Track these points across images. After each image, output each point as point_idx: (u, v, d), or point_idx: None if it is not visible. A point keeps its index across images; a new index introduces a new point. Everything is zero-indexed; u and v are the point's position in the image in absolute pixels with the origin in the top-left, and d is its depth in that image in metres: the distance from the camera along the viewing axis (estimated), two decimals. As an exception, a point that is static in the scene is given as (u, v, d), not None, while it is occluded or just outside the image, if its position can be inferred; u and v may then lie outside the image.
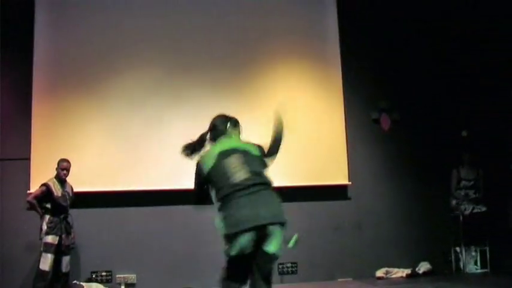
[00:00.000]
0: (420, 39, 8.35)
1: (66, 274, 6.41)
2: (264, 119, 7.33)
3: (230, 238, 3.20)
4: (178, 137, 7.78)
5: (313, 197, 7.59)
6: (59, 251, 6.27)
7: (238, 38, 7.85)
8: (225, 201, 3.29)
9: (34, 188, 6.64)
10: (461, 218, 7.66)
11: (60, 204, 6.35)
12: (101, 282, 7.03)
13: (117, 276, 7.09)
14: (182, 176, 7.18)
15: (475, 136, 8.06)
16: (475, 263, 7.68)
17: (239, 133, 3.73)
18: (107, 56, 7.55)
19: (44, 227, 6.25)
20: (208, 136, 3.71)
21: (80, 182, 6.88)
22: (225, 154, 3.45)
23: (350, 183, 7.81)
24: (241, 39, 7.86)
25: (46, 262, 6.16)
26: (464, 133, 8.13)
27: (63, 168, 6.46)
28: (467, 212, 7.65)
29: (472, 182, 7.83)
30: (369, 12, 8.28)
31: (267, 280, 3.29)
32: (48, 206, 6.35)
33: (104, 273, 7.11)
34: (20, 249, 6.91)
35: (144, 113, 7.43)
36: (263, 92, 7.77)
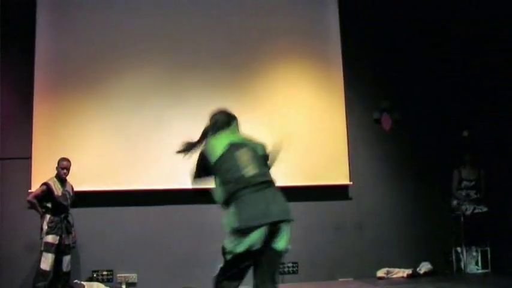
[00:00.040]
0: (422, 39, 8.35)
1: (67, 273, 6.41)
2: (265, 119, 7.40)
3: (241, 233, 3.16)
4: (179, 136, 7.78)
5: (314, 197, 7.59)
6: (59, 250, 6.27)
7: (239, 37, 7.85)
8: (235, 194, 3.26)
9: (35, 187, 6.64)
10: (462, 218, 7.66)
11: (61, 204, 6.35)
12: (102, 281, 7.04)
13: (118, 275, 7.09)
14: (183, 175, 7.21)
15: (476, 136, 8.06)
16: (476, 264, 7.68)
17: (238, 129, 3.73)
18: (108, 55, 7.55)
19: (45, 226, 6.24)
20: (210, 129, 3.67)
21: (81, 181, 6.89)
22: (235, 146, 3.43)
23: (351, 183, 7.81)
24: (242, 38, 7.86)
25: (47, 262, 6.16)
26: (465, 133, 8.13)
27: (63, 168, 6.44)
28: (468, 212, 7.64)
29: (473, 183, 7.82)
30: (371, 12, 8.27)
31: (274, 277, 3.29)
32: (49, 205, 6.34)
33: (105, 273, 7.11)
34: (20, 249, 6.92)
35: (144, 113, 7.43)
36: (264, 91, 7.77)
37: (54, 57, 7.44)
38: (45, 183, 6.37)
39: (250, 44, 7.87)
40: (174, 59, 7.66)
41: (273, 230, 3.21)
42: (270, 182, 3.38)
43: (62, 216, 6.36)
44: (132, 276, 7.07)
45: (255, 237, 3.16)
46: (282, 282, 7.24)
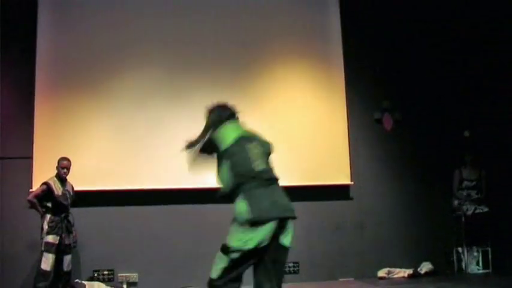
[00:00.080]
0: (423, 39, 8.35)
1: (68, 273, 6.40)
2: (266, 119, 7.40)
3: (254, 225, 3.13)
4: (180, 136, 7.81)
5: (315, 197, 7.59)
6: (59, 250, 6.26)
7: (240, 38, 7.85)
8: (244, 186, 3.25)
9: (36, 186, 6.62)
10: (463, 218, 7.66)
11: (61, 203, 6.33)
12: (103, 281, 7.04)
13: (119, 275, 7.09)
14: (184, 175, 7.21)
15: (477, 136, 8.06)
16: (477, 264, 7.68)
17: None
18: (109, 56, 7.56)
19: (45, 226, 6.23)
20: (215, 121, 3.59)
21: (82, 180, 6.89)
22: (245, 139, 3.42)
23: (352, 183, 7.81)
24: (243, 39, 7.86)
25: (47, 262, 6.14)
26: (466, 133, 8.13)
27: (63, 167, 6.43)
28: (469, 213, 7.64)
29: (474, 183, 7.83)
30: (372, 13, 8.27)
31: (280, 276, 3.31)
32: (49, 205, 6.32)
33: (106, 272, 7.12)
34: (21, 248, 6.91)
35: (145, 113, 7.43)
36: (265, 92, 7.77)
37: (55, 57, 7.45)
38: (45, 183, 6.36)
39: (251, 45, 7.87)
40: (175, 60, 7.66)
41: (281, 226, 3.21)
42: (275, 180, 3.39)
43: (63, 215, 6.35)
44: (133, 276, 7.07)
45: (265, 232, 3.14)
46: (283, 282, 7.25)
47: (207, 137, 3.55)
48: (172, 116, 7.45)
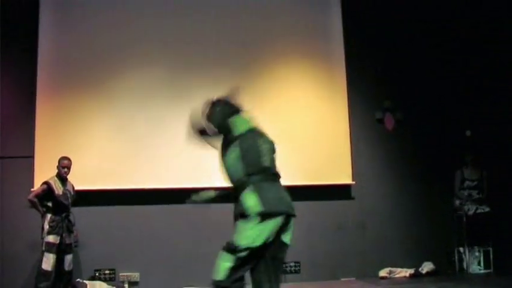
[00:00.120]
0: (424, 39, 8.34)
1: (69, 272, 6.40)
2: (267, 119, 7.36)
3: (264, 218, 3.10)
4: (183, 136, 7.81)
5: (316, 197, 7.59)
6: (60, 250, 6.25)
7: (242, 38, 7.85)
8: (252, 178, 3.22)
9: (37, 186, 6.62)
10: (464, 218, 7.65)
11: (62, 203, 6.32)
12: (104, 280, 7.04)
13: (120, 274, 7.10)
14: (185, 174, 7.25)
15: (478, 136, 8.05)
16: (479, 264, 7.67)
17: None
18: (111, 55, 7.57)
19: (46, 226, 6.22)
20: (227, 111, 3.51)
21: (84, 180, 6.90)
22: (256, 133, 3.42)
23: (354, 182, 7.81)
24: (245, 39, 7.86)
25: (48, 262, 6.14)
26: (468, 133, 8.13)
27: (64, 166, 6.41)
28: (470, 213, 7.64)
29: (475, 183, 7.82)
30: (373, 13, 8.27)
31: (279, 273, 3.30)
32: (50, 204, 6.32)
33: (107, 272, 7.12)
34: (23, 248, 6.91)
35: (147, 112, 7.44)
36: (266, 91, 7.77)
37: (56, 56, 7.46)
38: (45, 182, 6.35)
39: (253, 44, 7.87)
40: (177, 59, 7.67)
41: (287, 222, 3.21)
42: (279, 177, 3.39)
43: (63, 215, 6.34)
44: (135, 275, 7.07)
45: (273, 226, 3.12)
46: (284, 281, 7.25)
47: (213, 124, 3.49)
48: (173, 116, 7.44)
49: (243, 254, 3.10)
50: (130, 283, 7.04)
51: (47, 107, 7.29)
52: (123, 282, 7.04)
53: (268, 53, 7.88)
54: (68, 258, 6.35)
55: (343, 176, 7.78)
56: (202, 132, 3.55)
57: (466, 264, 7.64)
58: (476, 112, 8.10)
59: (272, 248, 3.19)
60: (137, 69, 7.54)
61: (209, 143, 3.59)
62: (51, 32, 7.49)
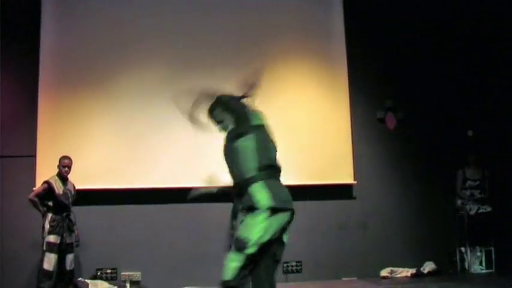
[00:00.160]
0: (426, 38, 8.34)
1: (71, 272, 6.38)
2: (268, 118, 7.38)
3: (274, 213, 3.06)
4: (185, 135, 7.83)
5: (318, 196, 7.59)
6: (61, 249, 6.24)
7: (243, 37, 7.85)
8: (263, 173, 3.17)
9: (39, 185, 6.64)
10: (466, 218, 7.64)
11: (62, 202, 6.30)
12: (105, 279, 7.05)
13: (122, 273, 7.09)
14: (188, 174, 7.25)
15: (480, 136, 8.04)
16: (480, 263, 7.67)
17: None
18: (113, 54, 7.57)
19: (47, 225, 6.20)
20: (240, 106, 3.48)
21: (86, 179, 6.91)
22: (267, 129, 3.39)
23: (355, 182, 7.80)
24: (246, 38, 7.86)
25: (49, 262, 6.14)
26: (470, 133, 8.12)
27: (64, 166, 6.39)
28: (472, 212, 7.63)
29: (477, 182, 7.81)
30: (375, 12, 8.27)
31: (275, 272, 3.26)
32: (50, 204, 6.30)
33: (109, 271, 7.13)
34: (25, 248, 6.91)
35: (149, 111, 7.44)
36: (268, 91, 7.73)
37: (58, 56, 7.47)
38: (46, 182, 6.34)
39: (254, 44, 7.86)
40: (178, 58, 7.66)
41: (289, 220, 3.19)
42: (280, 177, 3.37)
43: (64, 215, 6.32)
44: (136, 275, 7.06)
45: (281, 222, 3.10)
46: (286, 280, 7.26)
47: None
48: (175, 115, 7.36)
49: (252, 250, 3.03)
50: (132, 282, 7.03)
51: (49, 106, 7.30)
52: (124, 281, 7.03)
53: (270, 52, 7.87)
54: (69, 257, 6.34)
55: (345, 176, 7.78)
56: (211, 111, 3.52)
57: (468, 264, 7.64)
58: (478, 112, 8.09)
59: (274, 246, 3.16)
60: (139, 68, 7.55)
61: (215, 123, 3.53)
62: (53, 31, 7.50)
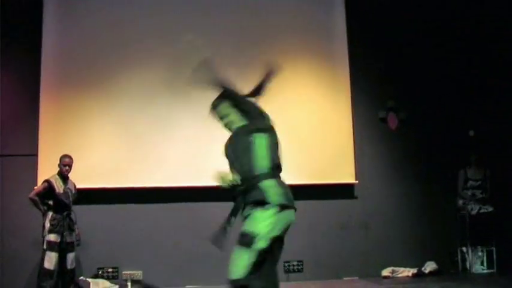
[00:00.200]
0: (427, 38, 8.33)
1: (72, 271, 6.38)
2: (270, 118, 7.39)
3: (283, 210, 3.07)
4: (186, 134, 7.84)
5: (319, 196, 7.59)
6: (61, 248, 6.23)
7: (245, 36, 7.85)
8: (272, 172, 3.20)
9: (41, 184, 6.66)
10: (468, 218, 7.64)
11: (62, 201, 6.29)
12: (107, 278, 7.06)
13: (123, 272, 7.09)
14: (190, 173, 7.27)
15: (482, 136, 8.04)
16: (482, 263, 7.66)
17: None
18: (114, 54, 7.57)
19: (47, 224, 6.19)
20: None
21: (88, 178, 6.92)
22: (274, 130, 3.40)
23: (357, 182, 7.80)
24: (248, 37, 7.85)
25: (50, 261, 6.13)
26: (471, 133, 8.11)
27: (65, 164, 6.38)
28: (474, 212, 7.63)
29: (479, 182, 7.81)
30: (377, 12, 8.26)
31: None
32: (51, 202, 6.29)
33: (110, 270, 7.14)
34: (26, 246, 6.92)
35: (150, 111, 7.45)
36: (270, 90, 7.75)
37: (60, 55, 7.47)
38: (46, 180, 6.33)
39: (256, 43, 7.85)
40: (180, 58, 7.64)
41: (292, 220, 3.19)
42: None
43: (65, 213, 6.31)
44: (138, 274, 7.07)
45: (288, 219, 3.11)
46: (287, 280, 7.27)
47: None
48: (177, 114, 7.46)
49: (262, 244, 2.99)
50: (133, 281, 7.04)
51: (51, 105, 7.31)
52: (126, 280, 7.04)
53: (272, 52, 7.85)
54: (70, 256, 6.33)
55: (346, 175, 7.78)
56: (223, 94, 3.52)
57: (469, 264, 7.63)
58: (480, 112, 8.09)
59: (277, 244, 3.14)
60: (140, 68, 7.55)
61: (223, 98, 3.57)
62: (55, 31, 7.51)
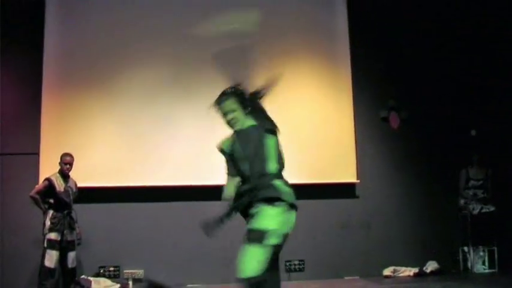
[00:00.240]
0: (429, 38, 8.33)
1: (73, 269, 6.37)
2: (272, 117, 7.38)
3: (291, 209, 3.12)
4: (187, 133, 7.84)
5: (321, 195, 7.59)
6: (62, 247, 6.22)
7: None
8: (280, 173, 3.25)
9: (43, 183, 6.66)
10: (469, 217, 7.63)
11: (63, 199, 6.28)
12: (108, 277, 7.07)
13: (124, 271, 7.11)
14: (191, 172, 7.27)
15: (484, 136, 8.03)
16: (483, 263, 7.66)
17: None
18: (116, 52, 7.58)
19: (47, 222, 6.18)
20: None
21: (89, 177, 6.93)
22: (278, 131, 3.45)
23: (358, 181, 7.81)
24: (251, 38, 7.85)
25: (51, 259, 6.12)
26: (473, 132, 8.10)
27: (66, 163, 6.36)
28: (475, 212, 7.63)
29: (480, 182, 7.80)
30: (378, 12, 8.26)
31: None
32: (51, 201, 6.28)
33: (111, 268, 7.14)
34: (29, 245, 6.92)
35: (152, 110, 7.46)
36: (272, 90, 7.75)
37: (62, 54, 7.48)
38: (47, 179, 6.32)
39: (259, 43, 7.84)
40: (182, 57, 7.67)
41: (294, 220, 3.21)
42: None
43: (65, 212, 6.30)
44: (139, 272, 7.09)
45: (294, 219, 3.15)
46: (288, 279, 7.27)
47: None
48: (178, 114, 7.47)
49: (274, 241, 2.99)
50: (135, 280, 7.05)
51: (53, 104, 7.32)
52: (127, 279, 7.05)
53: (274, 51, 7.85)
54: (71, 255, 6.31)
55: (348, 175, 7.78)
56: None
57: (471, 263, 7.63)
58: (482, 111, 8.07)
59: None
60: (142, 67, 7.56)
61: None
62: (57, 30, 7.52)
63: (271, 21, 7.92)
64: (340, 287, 7.05)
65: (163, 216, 7.33)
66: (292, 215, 3.14)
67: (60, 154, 6.46)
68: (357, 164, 7.83)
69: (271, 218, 3.04)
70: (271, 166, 3.22)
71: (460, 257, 7.74)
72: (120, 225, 7.23)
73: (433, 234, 7.85)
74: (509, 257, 7.42)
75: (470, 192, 7.78)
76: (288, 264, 7.39)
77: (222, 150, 3.38)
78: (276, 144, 3.31)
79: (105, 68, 7.53)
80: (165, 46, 7.63)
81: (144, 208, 7.32)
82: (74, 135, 7.24)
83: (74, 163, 6.44)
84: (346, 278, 7.54)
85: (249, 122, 3.38)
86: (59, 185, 6.31)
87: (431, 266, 7.57)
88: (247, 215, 3.19)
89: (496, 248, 7.58)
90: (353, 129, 7.91)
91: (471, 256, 7.62)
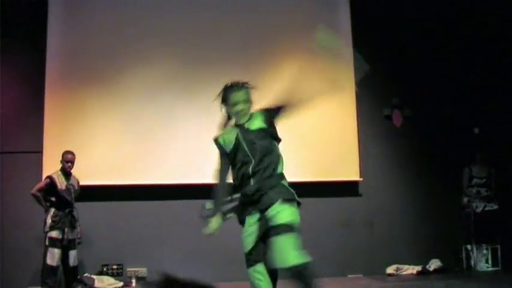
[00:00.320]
0: (432, 37, 8.32)
1: (75, 268, 6.40)
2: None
3: (297, 207, 3.40)
4: (189, 131, 7.84)
5: (324, 193, 7.59)
6: (63, 245, 6.23)
7: (250, 34, 7.85)
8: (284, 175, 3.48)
9: (46, 181, 6.67)
10: (472, 215, 7.62)
11: (64, 198, 6.30)
12: (111, 275, 7.07)
13: (128, 269, 7.13)
14: (193, 170, 7.27)
15: (487, 134, 8.02)
16: (486, 261, 7.64)
17: None
18: (119, 50, 7.60)
19: (49, 220, 6.20)
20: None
21: (92, 175, 6.95)
22: None
23: (361, 179, 7.80)
24: (253, 36, 7.86)
25: (53, 257, 6.15)
26: (476, 130, 8.09)
27: (67, 161, 6.38)
28: (478, 210, 7.61)
29: (484, 180, 7.78)
30: (381, 11, 8.25)
31: None
32: (53, 199, 6.31)
33: (114, 267, 7.15)
34: (31, 242, 6.93)
35: (154, 108, 7.47)
36: (274, 88, 7.75)
37: (65, 52, 7.50)
38: (48, 177, 6.34)
39: (261, 41, 7.86)
40: (184, 55, 7.68)
41: None
42: None
43: (67, 210, 6.32)
44: (142, 270, 7.10)
45: None
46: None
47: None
48: (180, 112, 7.49)
49: (298, 233, 3.31)
50: (138, 278, 7.06)
51: (56, 103, 7.34)
52: (130, 277, 7.07)
53: (276, 50, 7.87)
54: (72, 254, 6.33)
55: (351, 173, 7.78)
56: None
57: (474, 261, 7.61)
58: (485, 109, 8.06)
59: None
60: (145, 65, 7.57)
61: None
62: (60, 28, 7.53)
63: (273, 20, 7.94)
64: (343, 285, 7.04)
65: (165, 214, 7.34)
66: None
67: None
68: (360, 162, 7.82)
69: (294, 214, 3.31)
70: (280, 168, 3.43)
71: (463, 255, 7.72)
72: (123, 224, 7.25)
73: (436, 232, 7.84)
74: (512, 255, 7.42)
75: (474, 190, 7.76)
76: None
77: (218, 144, 3.42)
78: (277, 148, 3.51)
79: (107, 67, 7.54)
80: (165, 45, 7.65)
81: (146, 206, 7.33)
82: (77, 134, 7.25)
83: (76, 161, 6.45)
84: (349, 276, 7.54)
85: (257, 122, 3.45)
86: (61, 183, 6.32)
87: (434, 264, 7.56)
88: (251, 213, 3.35)
89: (499, 246, 7.56)
90: (356, 127, 7.91)
91: (474, 254, 7.60)
